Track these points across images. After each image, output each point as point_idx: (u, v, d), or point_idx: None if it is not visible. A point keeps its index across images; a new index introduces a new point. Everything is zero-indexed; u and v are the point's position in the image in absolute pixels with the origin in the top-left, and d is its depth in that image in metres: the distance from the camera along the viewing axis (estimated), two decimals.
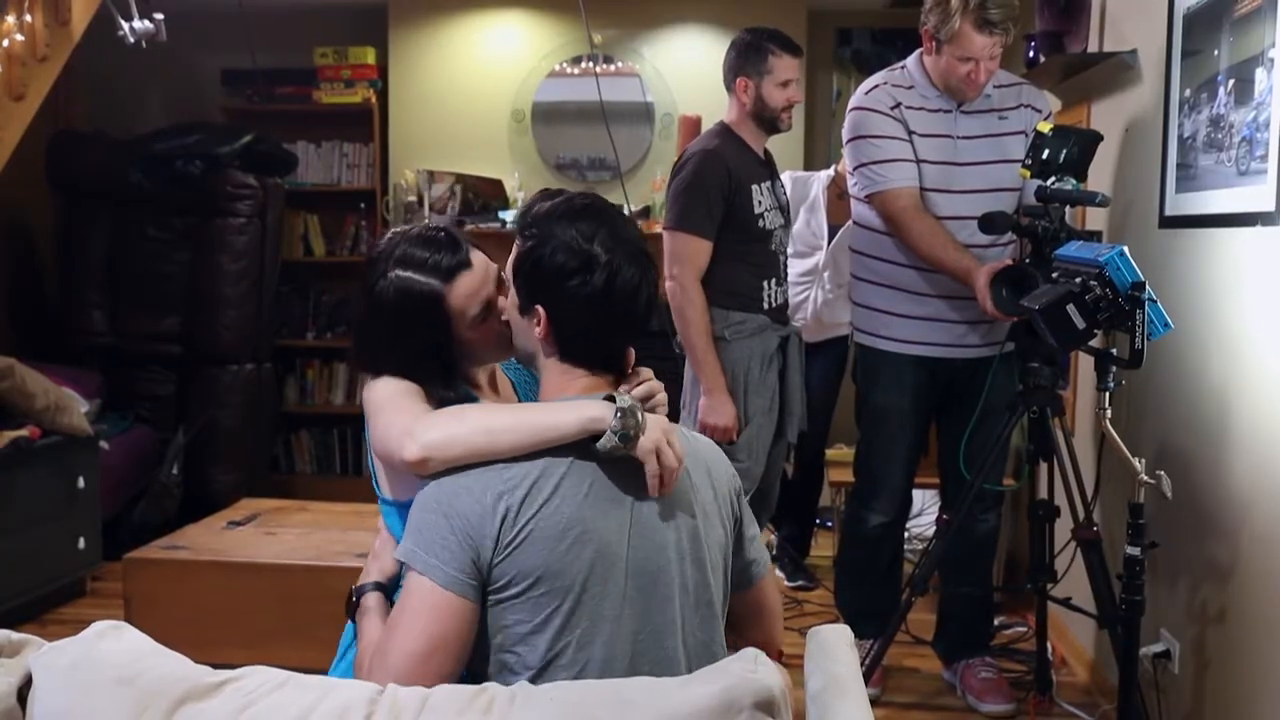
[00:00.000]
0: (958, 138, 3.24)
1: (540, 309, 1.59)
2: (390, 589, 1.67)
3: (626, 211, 1.68)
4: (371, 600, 1.67)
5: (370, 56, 5.67)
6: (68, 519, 4.19)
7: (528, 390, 1.86)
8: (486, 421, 1.54)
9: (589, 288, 1.55)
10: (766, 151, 3.48)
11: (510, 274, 1.65)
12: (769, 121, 3.37)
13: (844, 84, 5.87)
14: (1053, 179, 2.88)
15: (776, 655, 1.79)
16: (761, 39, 3.33)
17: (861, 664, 2.24)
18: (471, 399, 1.75)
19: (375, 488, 1.77)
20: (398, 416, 1.62)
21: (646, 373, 1.69)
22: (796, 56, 3.35)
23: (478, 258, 1.74)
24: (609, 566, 1.50)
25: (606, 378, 1.63)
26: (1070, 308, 2.49)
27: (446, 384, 1.71)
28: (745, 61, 3.33)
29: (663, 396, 1.69)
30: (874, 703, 2.75)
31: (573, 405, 1.54)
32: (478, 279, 1.72)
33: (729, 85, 3.38)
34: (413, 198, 5.54)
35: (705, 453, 1.71)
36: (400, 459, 1.56)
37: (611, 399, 1.53)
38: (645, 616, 1.53)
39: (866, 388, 3.51)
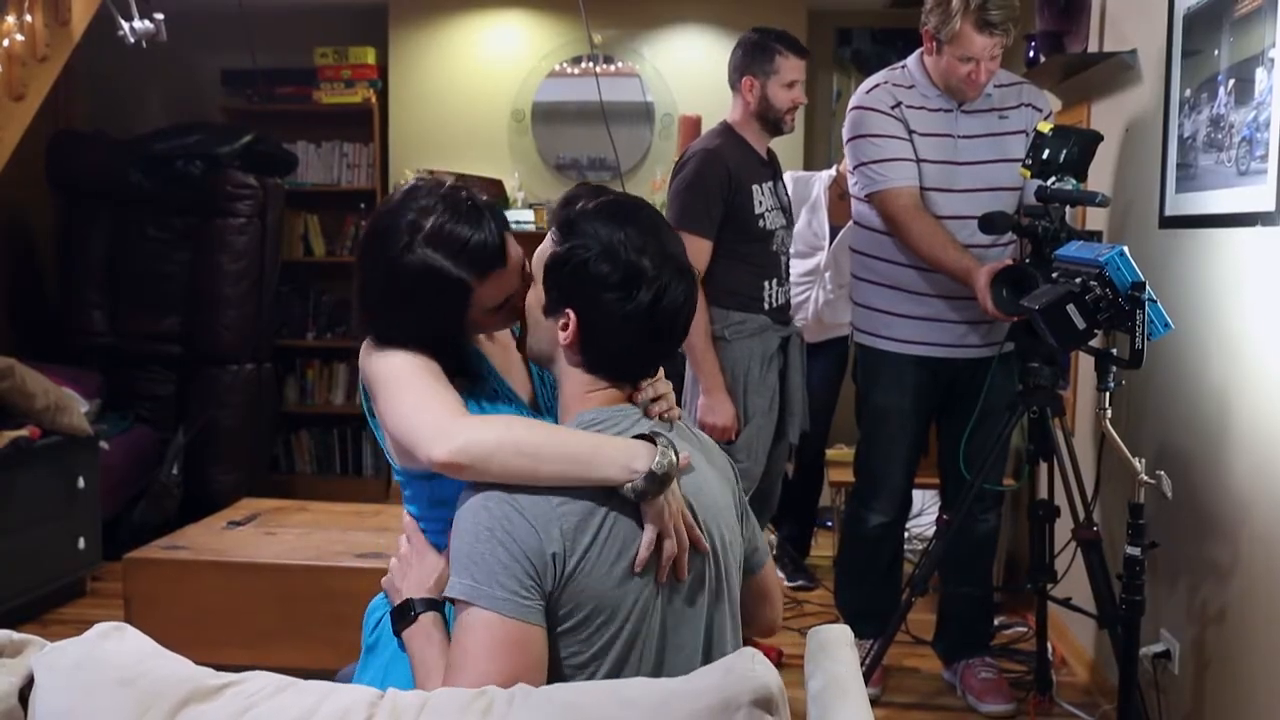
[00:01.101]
0: (958, 137, 3.24)
1: (571, 314, 1.50)
2: (442, 604, 1.53)
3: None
4: (428, 621, 1.51)
5: (370, 56, 5.67)
6: (68, 519, 4.19)
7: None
8: (533, 442, 1.43)
9: (632, 303, 1.47)
10: (771, 152, 3.48)
11: (539, 270, 1.55)
12: (773, 122, 3.37)
13: (844, 84, 5.87)
14: (1053, 179, 2.88)
15: (776, 655, 1.78)
16: (769, 39, 3.34)
17: (861, 664, 2.24)
18: (480, 357, 1.69)
19: (387, 456, 1.66)
20: (427, 402, 1.50)
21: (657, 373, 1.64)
22: (803, 58, 3.36)
23: (513, 251, 1.62)
24: (658, 590, 1.46)
25: (627, 389, 1.56)
26: (1070, 308, 2.49)
27: (453, 357, 1.61)
28: (752, 61, 3.34)
29: (672, 396, 1.67)
30: (874, 703, 2.76)
31: (620, 452, 1.44)
32: (509, 275, 1.61)
33: (734, 84, 3.39)
34: None
35: (709, 449, 1.67)
36: (426, 455, 1.45)
37: (651, 440, 1.45)
38: (684, 633, 1.50)
39: (867, 388, 3.51)
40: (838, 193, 4.36)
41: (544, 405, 1.75)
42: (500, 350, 1.76)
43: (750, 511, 1.73)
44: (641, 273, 1.47)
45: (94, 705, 1.24)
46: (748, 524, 1.70)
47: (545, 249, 1.56)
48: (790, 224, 3.54)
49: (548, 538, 1.40)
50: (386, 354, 1.59)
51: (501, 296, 1.61)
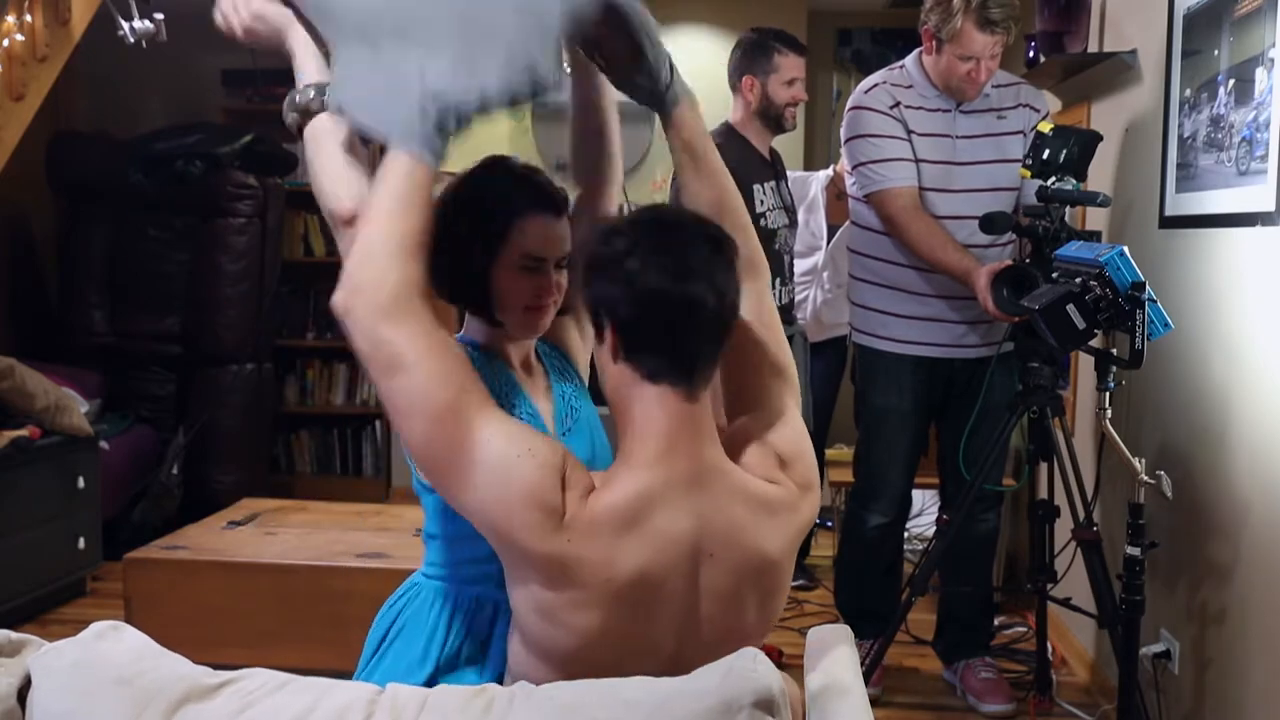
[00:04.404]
0: (957, 137, 3.24)
1: (603, 313, 1.44)
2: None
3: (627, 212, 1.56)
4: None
5: None
6: (68, 519, 4.19)
7: (553, 366, 1.77)
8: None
9: (628, 272, 1.40)
10: (774, 152, 3.48)
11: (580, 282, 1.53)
12: (774, 119, 3.38)
13: (844, 84, 5.87)
14: (1053, 179, 2.89)
15: (776, 655, 1.78)
16: (768, 38, 3.35)
17: (861, 664, 2.24)
18: (509, 380, 1.67)
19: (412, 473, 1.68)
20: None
21: None
22: (801, 55, 3.38)
23: (563, 218, 1.65)
24: None
25: (685, 392, 1.43)
26: (1070, 308, 2.49)
27: (478, 311, 1.64)
28: (751, 60, 3.35)
29: None
30: (874, 703, 2.75)
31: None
32: (555, 231, 1.63)
33: (734, 84, 3.39)
34: None
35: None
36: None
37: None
38: None
39: (865, 388, 3.51)
40: (835, 192, 4.36)
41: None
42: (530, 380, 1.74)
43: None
44: (633, 241, 1.41)
45: (92, 705, 1.23)
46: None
47: None
48: (793, 223, 3.55)
49: None
50: None
51: (539, 247, 1.61)
